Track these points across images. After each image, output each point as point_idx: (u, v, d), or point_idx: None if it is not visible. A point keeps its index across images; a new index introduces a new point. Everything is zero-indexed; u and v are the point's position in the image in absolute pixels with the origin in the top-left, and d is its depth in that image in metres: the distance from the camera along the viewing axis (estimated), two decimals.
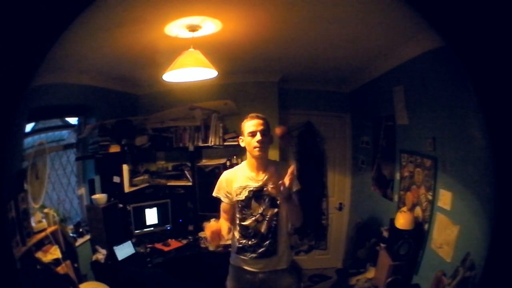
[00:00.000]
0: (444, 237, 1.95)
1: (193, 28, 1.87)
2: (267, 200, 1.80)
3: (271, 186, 1.68)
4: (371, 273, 2.62)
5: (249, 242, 1.84)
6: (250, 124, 1.78)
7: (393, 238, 2.29)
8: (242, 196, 1.81)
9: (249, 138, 1.77)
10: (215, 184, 1.89)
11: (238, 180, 1.83)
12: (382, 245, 2.53)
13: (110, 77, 2.99)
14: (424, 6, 1.34)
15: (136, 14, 1.71)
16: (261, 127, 1.76)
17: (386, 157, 2.77)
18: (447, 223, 1.96)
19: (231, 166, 3.13)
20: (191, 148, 3.25)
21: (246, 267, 1.88)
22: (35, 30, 1.25)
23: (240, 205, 1.82)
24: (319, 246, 3.54)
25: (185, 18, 1.78)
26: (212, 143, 3.20)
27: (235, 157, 3.17)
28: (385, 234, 2.52)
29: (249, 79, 3.18)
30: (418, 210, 2.24)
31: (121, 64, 2.65)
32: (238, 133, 3.08)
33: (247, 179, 1.82)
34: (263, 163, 1.82)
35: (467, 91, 1.45)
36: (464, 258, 1.68)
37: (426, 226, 2.15)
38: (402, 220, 2.25)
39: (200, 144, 3.24)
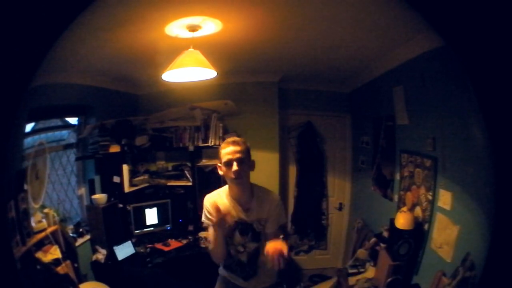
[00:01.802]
0: (444, 237, 1.95)
1: (193, 28, 1.87)
2: (250, 234, 1.72)
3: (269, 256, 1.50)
4: (371, 273, 2.62)
5: (232, 264, 1.81)
6: (225, 153, 1.61)
7: (393, 238, 2.29)
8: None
9: (225, 168, 1.61)
10: (216, 184, 1.86)
11: (221, 208, 1.65)
12: (382, 245, 2.53)
13: (110, 77, 2.99)
14: (424, 6, 1.34)
15: (136, 14, 1.71)
16: (237, 155, 1.59)
17: (386, 157, 2.77)
18: (447, 223, 1.95)
19: None
20: (191, 148, 3.25)
21: (232, 281, 1.85)
22: (35, 30, 1.25)
23: None
24: (319, 246, 3.55)
25: (185, 18, 1.78)
26: (212, 143, 3.20)
27: None
28: (385, 234, 2.52)
29: (249, 79, 3.18)
30: (418, 210, 2.24)
31: (121, 64, 2.65)
32: (238, 133, 3.10)
33: (231, 209, 1.69)
34: (245, 192, 1.69)
35: (467, 91, 1.45)
36: (464, 258, 1.67)
37: (426, 226, 2.15)
38: (402, 220, 2.25)
39: (200, 144, 3.24)
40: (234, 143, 1.62)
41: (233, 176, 1.59)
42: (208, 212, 1.68)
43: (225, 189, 1.75)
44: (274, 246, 1.48)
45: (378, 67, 2.70)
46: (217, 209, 1.57)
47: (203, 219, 1.73)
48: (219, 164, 1.67)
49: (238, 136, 1.71)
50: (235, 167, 1.58)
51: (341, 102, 3.47)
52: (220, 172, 1.67)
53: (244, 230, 1.71)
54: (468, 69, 1.37)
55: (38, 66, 1.32)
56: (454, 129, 1.90)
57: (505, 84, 1.31)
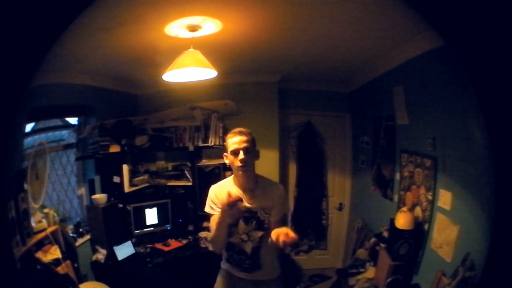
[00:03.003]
0: (444, 237, 1.95)
1: (193, 28, 1.87)
2: (254, 222, 1.76)
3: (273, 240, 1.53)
4: (371, 273, 2.62)
5: (234, 256, 1.84)
6: (232, 142, 1.69)
7: (393, 238, 2.29)
8: None
9: (232, 157, 1.69)
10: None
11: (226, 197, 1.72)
12: (382, 245, 2.53)
13: (110, 77, 2.99)
14: (424, 6, 1.34)
15: (136, 14, 1.71)
16: (244, 145, 1.67)
17: (386, 157, 2.77)
18: (447, 223, 1.95)
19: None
20: (191, 148, 3.25)
21: (234, 274, 1.88)
22: (35, 30, 1.25)
23: None
24: (319, 246, 3.54)
25: (185, 18, 1.78)
26: (212, 143, 3.20)
27: None
28: (385, 234, 2.52)
29: (249, 79, 3.17)
30: (418, 210, 2.24)
31: (121, 64, 2.65)
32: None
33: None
34: (250, 181, 1.75)
35: (467, 91, 1.45)
36: (464, 258, 1.67)
37: (426, 226, 2.15)
38: (402, 220, 2.25)
39: (200, 144, 3.24)
40: (240, 133, 1.70)
41: (240, 164, 1.67)
42: (213, 201, 1.76)
43: (230, 179, 1.82)
44: (279, 230, 1.51)
45: (378, 67, 2.70)
46: (229, 194, 1.59)
47: (207, 209, 1.79)
48: (225, 154, 1.74)
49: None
50: (241, 155, 1.66)
51: (341, 102, 3.46)
52: (227, 161, 1.75)
53: (248, 218, 1.76)
54: (468, 69, 1.37)
55: (38, 66, 1.32)
56: (454, 129, 1.90)
57: (505, 84, 1.31)
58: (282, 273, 1.94)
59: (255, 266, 1.83)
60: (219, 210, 1.71)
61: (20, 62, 1.25)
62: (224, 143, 1.77)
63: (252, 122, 3.23)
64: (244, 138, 1.68)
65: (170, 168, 3.48)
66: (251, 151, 1.70)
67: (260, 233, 1.77)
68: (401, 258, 2.22)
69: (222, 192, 1.70)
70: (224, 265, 1.94)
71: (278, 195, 1.79)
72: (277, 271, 1.91)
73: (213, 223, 1.73)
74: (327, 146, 3.50)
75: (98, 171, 3.02)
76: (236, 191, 1.72)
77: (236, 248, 1.81)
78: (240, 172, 1.70)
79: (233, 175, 1.80)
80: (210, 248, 1.89)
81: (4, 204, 1.44)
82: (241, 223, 1.76)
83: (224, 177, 1.98)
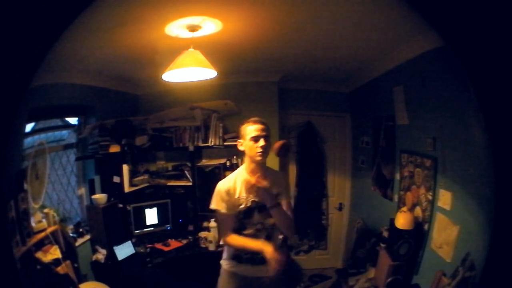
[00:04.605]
0: (444, 237, 1.95)
1: (193, 28, 1.87)
2: (267, 211, 1.80)
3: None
4: (371, 273, 2.62)
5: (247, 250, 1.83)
6: (253, 129, 1.76)
7: (393, 238, 2.29)
8: (244, 206, 1.80)
9: (251, 143, 1.75)
10: (215, 184, 1.86)
11: (239, 189, 1.81)
12: (382, 245, 2.53)
13: (110, 77, 2.99)
14: (424, 6, 1.34)
15: (136, 14, 1.71)
16: (264, 133, 1.76)
17: (386, 157, 2.77)
18: (447, 223, 1.96)
19: (231, 166, 3.13)
20: (191, 148, 3.25)
21: (239, 273, 1.87)
22: (35, 30, 1.25)
23: (241, 215, 1.80)
24: (319, 246, 3.54)
25: (185, 18, 1.78)
26: (212, 143, 3.20)
27: (235, 157, 3.17)
28: (385, 234, 2.52)
29: (249, 79, 3.17)
30: (418, 210, 2.24)
31: (121, 64, 2.65)
32: (238, 133, 3.09)
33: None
34: (263, 169, 1.81)
35: (467, 91, 1.45)
36: (464, 258, 1.68)
37: (426, 226, 2.15)
38: (402, 220, 2.25)
39: (200, 144, 3.24)
40: (261, 122, 1.79)
41: (260, 150, 1.74)
42: (221, 198, 1.79)
43: (241, 169, 1.87)
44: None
45: (378, 67, 2.70)
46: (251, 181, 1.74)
47: (214, 206, 1.81)
48: (240, 140, 1.81)
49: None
50: (262, 142, 1.74)
51: (341, 102, 3.46)
52: (241, 148, 1.81)
53: (262, 207, 1.80)
54: (468, 69, 1.37)
55: (38, 66, 1.32)
56: (454, 129, 1.90)
57: (505, 84, 1.31)
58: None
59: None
60: (230, 209, 1.78)
61: (20, 62, 1.25)
62: (240, 130, 1.82)
63: None
64: (264, 126, 1.77)
65: (170, 168, 3.48)
66: (269, 140, 1.79)
67: (272, 220, 1.82)
68: (401, 258, 2.23)
69: (234, 188, 1.80)
70: (228, 265, 1.90)
71: (285, 181, 1.96)
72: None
73: (225, 221, 1.82)
74: (327, 146, 3.50)
75: (98, 171, 3.02)
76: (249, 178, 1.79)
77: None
78: (259, 158, 1.76)
79: (243, 166, 1.86)
80: (224, 244, 1.93)
81: (4, 204, 1.44)
82: (256, 214, 1.81)
83: (224, 176, 1.98)
